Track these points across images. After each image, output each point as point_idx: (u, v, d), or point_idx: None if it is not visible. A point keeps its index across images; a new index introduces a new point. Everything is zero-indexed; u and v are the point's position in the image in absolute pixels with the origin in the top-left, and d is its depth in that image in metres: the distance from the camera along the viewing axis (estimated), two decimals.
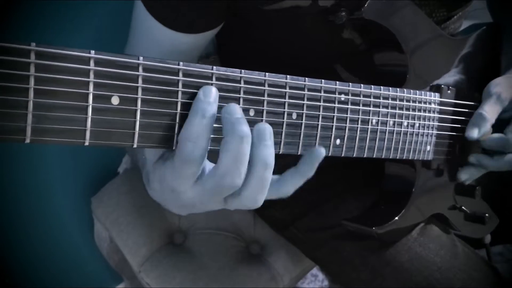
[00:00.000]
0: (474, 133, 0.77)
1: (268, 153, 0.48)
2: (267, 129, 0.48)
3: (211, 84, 0.49)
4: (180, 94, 0.47)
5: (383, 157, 0.69)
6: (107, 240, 1.12)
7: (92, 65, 0.41)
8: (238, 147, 0.46)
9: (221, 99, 0.50)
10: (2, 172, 1.03)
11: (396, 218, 0.77)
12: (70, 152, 1.09)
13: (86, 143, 0.42)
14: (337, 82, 0.60)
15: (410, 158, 0.74)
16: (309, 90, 0.57)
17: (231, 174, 0.47)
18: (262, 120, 0.53)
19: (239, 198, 0.50)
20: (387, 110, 0.67)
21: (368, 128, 0.65)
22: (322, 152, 0.50)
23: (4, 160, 1.01)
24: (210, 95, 0.47)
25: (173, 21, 0.72)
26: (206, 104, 0.46)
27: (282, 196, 0.53)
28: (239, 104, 0.51)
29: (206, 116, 0.46)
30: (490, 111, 0.77)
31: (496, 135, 0.78)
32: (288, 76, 0.55)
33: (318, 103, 0.58)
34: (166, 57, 0.71)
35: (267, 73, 0.53)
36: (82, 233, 1.20)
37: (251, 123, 0.52)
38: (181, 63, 0.47)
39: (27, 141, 0.39)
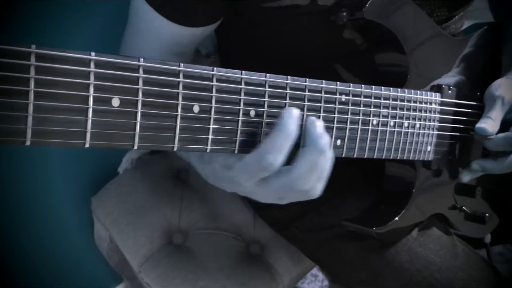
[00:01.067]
0: (485, 126, 0.77)
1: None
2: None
3: (212, 86, 0.49)
4: (180, 95, 0.47)
5: (383, 157, 0.69)
6: (107, 240, 1.11)
7: (92, 67, 0.41)
8: (317, 160, 0.52)
9: (222, 101, 0.50)
10: (2, 172, 1.03)
11: (396, 218, 0.77)
12: (70, 152, 1.09)
13: (87, 145, 0.42)
14: (338, 82, 0.60)
15: (410, 158, 0.74)
16: (309, 90, 0.57)
17: (303, 181, 0.53)
18: (262, 123, 0.53)
19: (302, 196, 0.57)
20: (387, 111, 0.67)
21: (368, 128, 0.65)
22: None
23: (5, 160, 1.00)
24: (295, 115, 0.51)
25: (174, 13, 0.72)
26: (292, 123, 0.51)
27: (313, 196, 0.59)
28: (239, 106, 0.51)
29: (290, 135, 0.50)
30: (496, 116, 0.77)
31: (502, 134, 0.77)
32: (288, 77, 0.55)
33: (319, 104, 0.58)
34: (165, 48, 0.75)
35: (267, 74, 0.53)
36: (82, 233, 1.20)
37: (251, 124, 0.52)
38: (182, 64, 0.47)
39: (27, 143, 0.39)
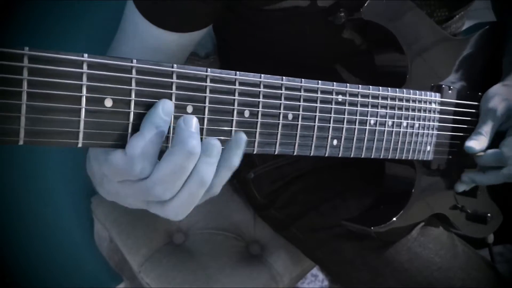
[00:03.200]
0: (473, 145, 0.78)
1: (209, 171, 0.46)
2: (216, 146, 0.46)
3: (206, 87, 0.49)
4: (174, 96, 0.47)
5: (381, 157, 0.69)
6: (107, 240, 1.12)
7: (85, 69, 0.41)
8: (183, 162, 0.45)
9: (216, 102, 0.50)
10: (2, 172, 1.03)
11: (395, 218, 0.77)
12: (70, 152, 1.09)
13: (79, 145, 0.42)
14: (334, 83, 0.60)
15: (409, 158, 0.74)
16: (305, 91, 0.57)
17: (164, 186, 0.46)
18: (257, 122, 0.53)
19: (162, 207, 0.48)
20: (385, 111, 0.67)
21: (366, 128, 0.65)
22: (241, 136, 0.47)
23: (5, 160, 1.01)
24: (169, 112, 0.45)
25: (159, 18, 0.70)
26: (162, 121, 0.45)
27: (211, 195, 0.50)
28: (233, 106, 0.51)
29: (160, 132, 0.45)
30: (487, 131, 0.79)
31: (491, 151, 0.79)
32: (283, 77, 0.55)
33: (315, 104, 0.58)
34: (149, 56, 0.71)
35: (262, 75, 0.53)
36: (82, 233, 1.20)
37: (246, 124, 0.52)
38: (175, 65, 0.47)
39: (21, 142, 0.39)
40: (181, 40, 0.73)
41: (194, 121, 0.45)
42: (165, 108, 0.45)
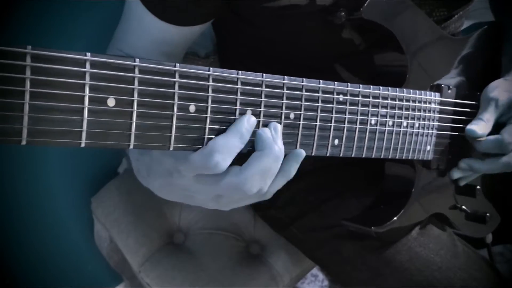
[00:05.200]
0: (475, 128, 0.77)
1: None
2: (301, 155, 0.55)
3: (208, 86, 0.49)
4: (176, 95, 0.47)
5: (382, 157, 0.69)
6: (107, 240, 1.12)
7: (88, 68, 0.41)
8: (272, 164, 0.52)
9: (219, 101, 0.50)
10: (2, 172, 1.03)
11: (395, 218, 0.77)
12: (70, 152, 1.09)
13: (82, 145, 0.42)
14: (335, 82, 0.60)
15: (409, 158, 0.74)
16: (307, 90, 0.57)
17: (252, 184, 0.52)
18: (259, 122, 0.53)
19: (239, 199, 0.55)
20: (386, 110, 0.67)
21: (367, 128, 0.65)
22: (301, 152, 0.55)
23: (5, 160, 1.01)
24: (252, 125, 0.52)
25: (165, 12, 0.72)
26: (246, 129, 0.51)
27: (264, 199, 0.57)
28: (236, 106, 0.51)
29: (243, 140, 0.51)
30: (488, 117, 0.78)
31: (492, 137, 0.77)
32: (285, 77, 0.55)
33: (316, 104, 0.58)
34: (154, 46, 0.75)
35: (264, 74, 0.53)
36: (82, 233, 1.20)
37: None
38: (178, 64, 0.47)
39: (23, 142, 0.39)
40: (184, 33, 0.76)
41: (279, 127, 0.54)
42: (250, 121, 0.52)
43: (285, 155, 0.54)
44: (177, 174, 0.54)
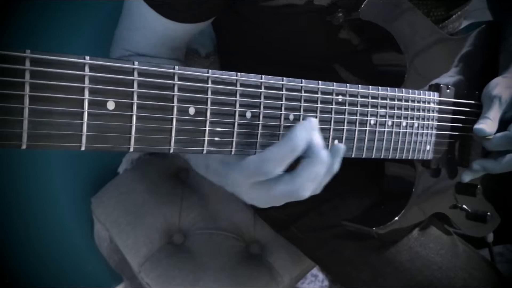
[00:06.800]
0: (483, 127, 0.77)
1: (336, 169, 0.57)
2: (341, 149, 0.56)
3: (207, 88, 0.49)
4: (176, 98, 0.47)
5: (382, 157, 0.69)
6: (107, 240, 1.12)
7: (87, 71, 0.41)
8: (320, 171, 0.54)
9: (218, 103, 0.50)
10: (2, 172, 1.03)
11: (396, 218, 0.77)
12: (70, 152, 1.09)
13: (82, 148, 0.42)
14: (334, 83, 0.60)
15: (409, 158, 0.74)
16: (306, 91, 0.57)
17: (305, 189, 0.55)
18: (258, 123, 0.53)
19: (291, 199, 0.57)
20: (385, 111, 0.67)
21: (366, 129, 0.65)
22: (340, 147, 0.56)
23: (5, 161, 1.01)
24: (310, 130, 0.52)
25: (169, 11, 0.74)
26: (302, 139, 0.51)
27: (314, 193, 0.59)
28: (235, 107, 0.51)
29: (296, 150, 0.51)
30: (494, 115, 0.77)
31: (500, 133, 0.77)
32: (284, 78, 0.55)
33: (315, 105, 0.58)
34: (160, 43, 0.77)
35: (263, 76, 0.53)
36: (82, 233, 1.20)
37: (247, 125, 0.52)
38: (177, 67, 0.47)
39: (23, 147, 0.39)
40: (188, 29, 0.78)
41: (320, 135, 0.54)
42: (308, 127, 0.52)
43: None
44: (232, 185, 0.58)
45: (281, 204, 0.60)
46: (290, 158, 0.52)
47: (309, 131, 0.52)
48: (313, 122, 0.52)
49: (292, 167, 0.55)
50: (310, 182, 0.54)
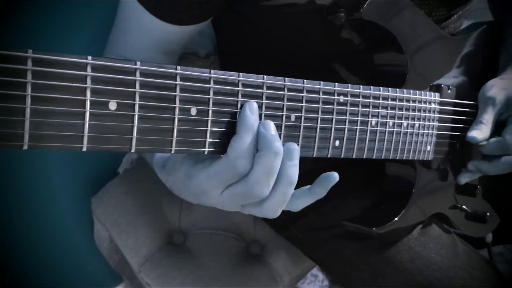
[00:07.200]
0: (475, 134, 0.77)
1: (294, 172, 0.53)
2: (296, 150, 0.53)
3: (209, 89, 0.49)
4: (178, 98, 0.47)
5: (383, 157, 0.69)
6: (107, 240, 1.12)
7: (89, 71, 0.41)
8: (272, 162, 0.50)
9: (220, 103, 0.50)
10: (2, 173, 1.03)
11: (396, 218, 0.77)
12: (70, 152, 1.08)
13: (84, 149, 0.42)
14: (336, 83, 0.60)
15: (410, 158, 0.74)
16: (307, 92, 0.57)
17: (261, 185, 0.51)
18: (259, 124, 0.53)
19: (259, 208, 0.54)
20: (386, 111, 0.67)
21: (367, 129, 0.65)
22: (335, 177, 0.55)
23: (5, 161, 1.01)
24: (255, 111, 0.51)
25: (164, 12, 0.73)
26: (254, 120, 0.50)
27: (293, 210, 0.57)
28: (237, 108, 0.51)
29: (255, 132, 0.50)
30: (488, 118, 0.78)
31: (494, 139, 0.78)
32: (286, 78, 0.55)
33: (317, 105, 0.58)
34: (155, 46, 0.76)
35: (265, 76, 0.53)
36: (82, 233, 1.20)
37: None
38: (179, 67, 0.47)
39: (25, 147, 0.39)
40: (185, 31, 0.77)
41: (271, 125, 0.51)
42: (252, 108, 0.50)
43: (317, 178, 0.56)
44: (205, 197, 0.54)
45: (241, 209, 0.56)
46: (253, 143, 0.50)
47: (254, 113, 0.50)
48: (255, 104, 0.51)
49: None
50: (265, 176, 0.51)
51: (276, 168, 0.51)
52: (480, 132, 0.77)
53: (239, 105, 0.51)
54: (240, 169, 0.50)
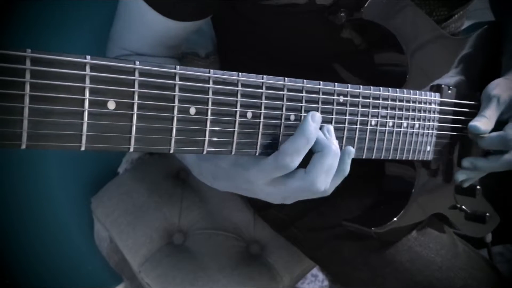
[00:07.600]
0: (478, 124, 0.77)
1: (348, 168, 0.60)
2: (352, 152, 0.60)
3: (208, 88, 0.49)
4: (177, 98, 0.47)
5: (382, 157, 0.69)
6: (107, 240, 1.12)
7: (88, 71, 0.41)
8: (333, 162, 0.56)
9: (219, 103, 0.50)
10: (2, 173, 1.03)
11: (395, 218, 0.77)
12: (70, 152, 1.09)
13: (82, 148, 0.42)
14: (336, 83, 0.60)
15: (410, 158, 0.74)
16: (307, 92, 0.57)
17: (321, 183, 0.57)
18: (259, 124, 0.53)
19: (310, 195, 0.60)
20: (386, 111, 0.67)
21: (367, 129, 0.65)
22: (350, 150, 0.59)
23: (5, 161, 1.01)
24: (318, 121, 0.55)
25: (167, 8, 0.73)
26: (313, 129, 0.54)
27: (324, 194, 0.61)
28: (236, 108, 0.51)
29: (310, 140, 0.54)
30: (491, 114, 0.77)
31: (495, 133, 0.77)
32: (286, 78, 0.55)
33: (317, 105, 0.58)
34: (157, 41, 0.78)
35: (264, 76, 0.53)
36: (82, 233, 1.20)
37: (248, 125, 0.52)
38: (178, 67, 0.47)
39: (23, 146, 0.39)
40: (187, 26, 0.78)
41: (332, 128, 0.58)
42: (315, 119, 0.54)
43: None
44: (247, 184, 0.58)
45: (297, 200, 0.61)
46: (305, 149, 0.54)
47: (317, 123, 0.54)
48: (318, 115, 0.55)
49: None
50: (323, 175, 0.56)
51: (335, 166, 0.57)
52: (482, 123, 0.76)
53: (238, 105, 0.51)
54: (286, 163, 0.54)
